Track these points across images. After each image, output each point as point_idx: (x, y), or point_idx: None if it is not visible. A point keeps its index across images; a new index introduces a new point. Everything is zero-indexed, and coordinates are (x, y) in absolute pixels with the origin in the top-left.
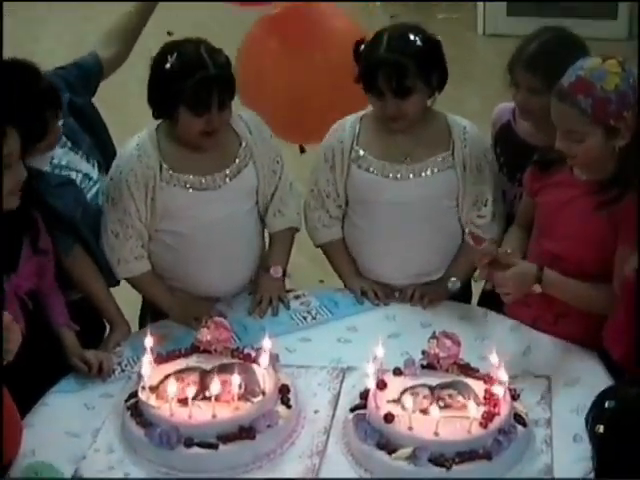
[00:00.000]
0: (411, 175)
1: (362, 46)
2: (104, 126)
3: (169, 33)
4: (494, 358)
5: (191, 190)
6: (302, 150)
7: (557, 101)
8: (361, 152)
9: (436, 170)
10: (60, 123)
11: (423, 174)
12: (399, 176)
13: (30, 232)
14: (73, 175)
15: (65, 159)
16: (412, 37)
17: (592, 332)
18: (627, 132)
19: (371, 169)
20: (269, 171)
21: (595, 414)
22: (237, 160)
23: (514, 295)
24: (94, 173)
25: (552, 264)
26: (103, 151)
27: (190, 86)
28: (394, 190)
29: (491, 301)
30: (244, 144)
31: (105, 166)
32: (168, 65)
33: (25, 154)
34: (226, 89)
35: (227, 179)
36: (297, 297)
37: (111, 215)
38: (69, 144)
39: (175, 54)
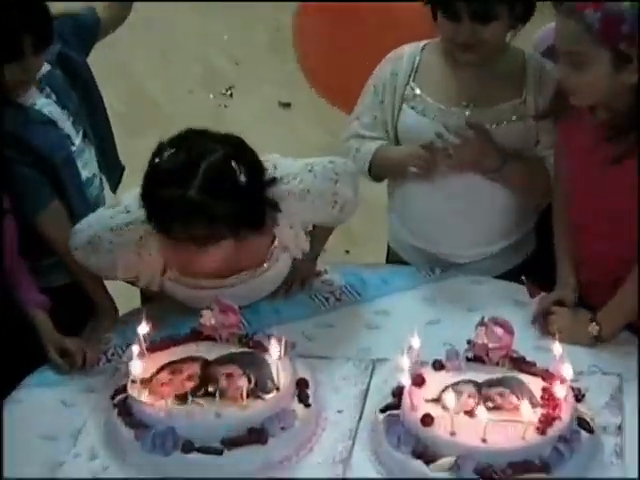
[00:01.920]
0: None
1: None
2: (98, 92)
3: None
4: (556, 349)
5: (200, 290)
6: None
7: (562, 18)
8: (417, 90)
9: (504, 122)
10: (44, 68)
11: (487, 126)
12: (449, 127)
13: None
14: (55, 123)
15: (47, 110)
16: None
17: None
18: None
19: (426, 112)
20: (324, 213)
21: None
22: (265, 264)
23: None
24: (77, 139)
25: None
26: (93, 119)
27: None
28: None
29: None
30: (276, 242)
31: (96, 141)
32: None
33: None
34: None
35: (247, 279)
36: (318, 274)
37: (105, 223)
38: (53, 97)
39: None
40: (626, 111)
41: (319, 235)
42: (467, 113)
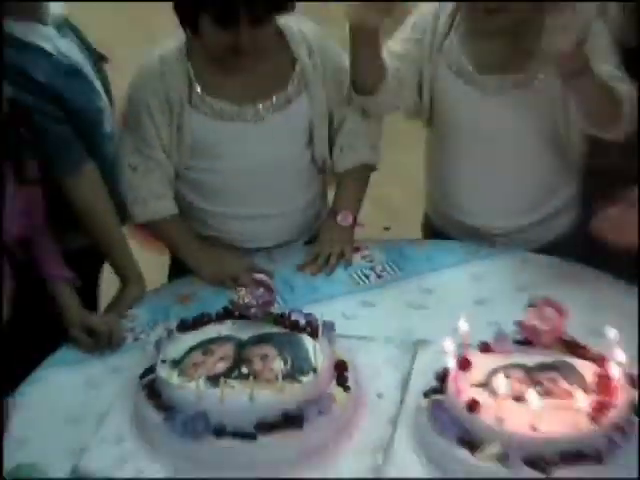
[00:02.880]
0: (508, 88)
1: None
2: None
3: None
4: (610, 333)
5: (224, 121)
6: None
7: None
8: (451, 45)
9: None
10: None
11: (527, 86)
12: (494, 89)
13: (12, 155)
14: (83, 73)
15: (72, 54)
16: None
17: None
18: None
19: (461, 74)
20: (337, 98)
21: None
22: (289, 87)
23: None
24: (101, 90)
25: None
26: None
27: None
28: (489, 107)
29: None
30: (298, 68)
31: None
32: None
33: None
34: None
35: (271, 110)
36: (357, 249)
37: (128, 144)
38: (77, 40)
39: None
40: None
41: (354, 180)
42: (498, 78)
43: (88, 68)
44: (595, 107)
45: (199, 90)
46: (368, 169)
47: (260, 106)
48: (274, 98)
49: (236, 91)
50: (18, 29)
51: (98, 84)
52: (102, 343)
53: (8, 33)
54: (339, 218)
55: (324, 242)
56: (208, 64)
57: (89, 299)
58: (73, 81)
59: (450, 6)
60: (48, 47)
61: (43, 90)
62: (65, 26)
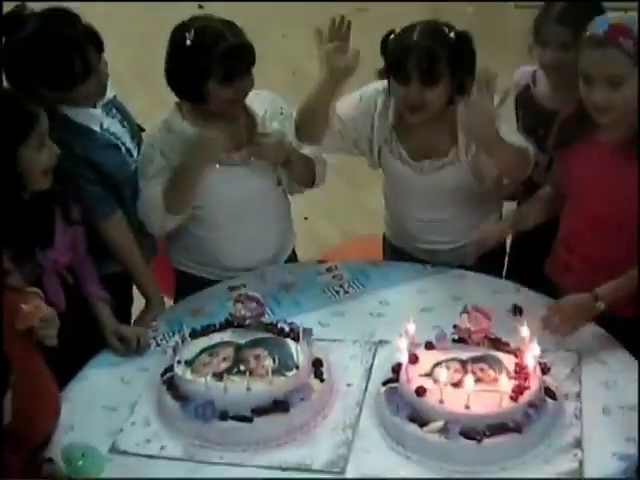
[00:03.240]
0: (432, 171)
1: (391, 36)
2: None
3: (200, 6)
4: (525, 332)
5: (218, 165)
6: None
7: (595, 48)
8: (394, 139)
9: (447, 166)
10: (111, 93)
11: (445, 167)
12: (423, 170)
13: (61, 203)
14: (119, 145)
15: (114, 128)
16: (445, 29)
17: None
18: None
19: (401, 158)
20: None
21: None
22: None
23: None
24: (135, 152)
25: (593, 227)
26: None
27: (215, 58)
28: (422, 180)
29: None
30: (260, 123)
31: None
32: (188, 43)
33: (73, 98)
34: (248, 55)
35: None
36: (329, 270)
37: (147, 174)
38: (118, 116)
39: (192, 31)
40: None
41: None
42: (428, 162)
43: (126, 138)
44: (507, 165)
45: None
46: (313, 164)
47: (243, 152)
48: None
49: (227, 140)
50: (71, 112)
51: (133, 148)
52: (132, 348)
53: (64, 114)
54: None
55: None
56: (200, 123)
57: (124, 314)
58: (109, 152)
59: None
60: (94, 126)
61: (82, 160)
62: (113, 106)
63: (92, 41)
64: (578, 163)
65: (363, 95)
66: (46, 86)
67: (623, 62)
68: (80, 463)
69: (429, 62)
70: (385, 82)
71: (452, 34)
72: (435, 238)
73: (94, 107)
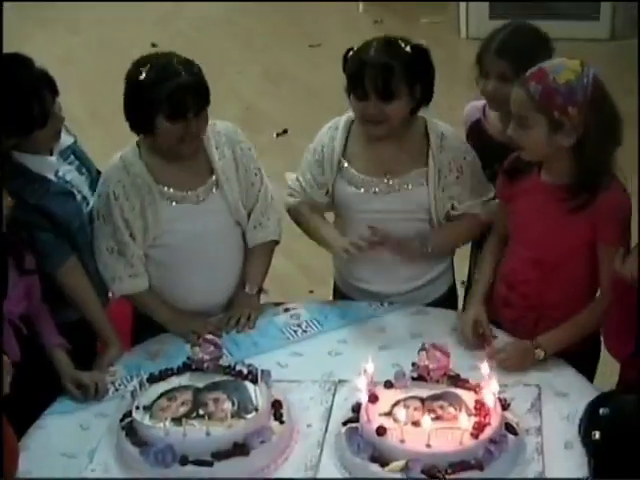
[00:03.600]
0: (390, 190)
1: (350, 52)
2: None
3: (153, 45)
4: (485, 368)
5: (174, 203)
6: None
7: (516, 87)
8: (345, 164)
9: (411, 186)
10: (69, 139)
11: (400, 190)
12: (378, 190)
13: (14, 253)
14: (75, 192)
15: (70, 176)
16: (401, 44)
17: None
18: (572, 131)
19: (354, 182)
20: (247, 184)
21: (589, 421)
22: (214, 176)
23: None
24: (91, 199)
25: (533, 268)
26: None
27: (165, 94)
28: (373, 203)
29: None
30: (215, 160)
31: None
32: (142, 77)
33: (30, 144)
34: (200, 95)
35: (209, 193)
36: (287, 310)
37: (103, 232)
38: (76, 163)
39: (148, 66)
40: (578, 174)
41: (261, 255)
42: (385, 181)
43: (82, 186)
44: (462, 241)
45: (153, 179)
46: (274, 244)
47: (200, 190)
48: (207, 184)
49: (180, 179)
50: (27, 160)
51: (91, 195)
52: (89, 394)
53: (20, 163)
54: (247, 289)
55: (236, 307)
56: (157, 159)
57: (87, 360)
58: (62, 200)
59: (344, 119)
60: (49, 174)
61: (34, 209)
62: (72, 152)
63: (47, 85)
64: (520, 203)
65: (312, 151)
66: (3, 132)
67: (526, 105)
68: None
69: (385, 78)
70: (333, 120)
71: (408, 48)
72: (390, 277)
73: (51, 154)
